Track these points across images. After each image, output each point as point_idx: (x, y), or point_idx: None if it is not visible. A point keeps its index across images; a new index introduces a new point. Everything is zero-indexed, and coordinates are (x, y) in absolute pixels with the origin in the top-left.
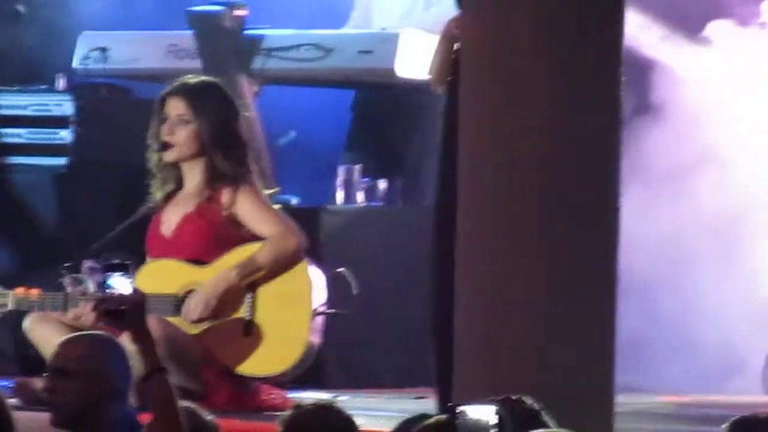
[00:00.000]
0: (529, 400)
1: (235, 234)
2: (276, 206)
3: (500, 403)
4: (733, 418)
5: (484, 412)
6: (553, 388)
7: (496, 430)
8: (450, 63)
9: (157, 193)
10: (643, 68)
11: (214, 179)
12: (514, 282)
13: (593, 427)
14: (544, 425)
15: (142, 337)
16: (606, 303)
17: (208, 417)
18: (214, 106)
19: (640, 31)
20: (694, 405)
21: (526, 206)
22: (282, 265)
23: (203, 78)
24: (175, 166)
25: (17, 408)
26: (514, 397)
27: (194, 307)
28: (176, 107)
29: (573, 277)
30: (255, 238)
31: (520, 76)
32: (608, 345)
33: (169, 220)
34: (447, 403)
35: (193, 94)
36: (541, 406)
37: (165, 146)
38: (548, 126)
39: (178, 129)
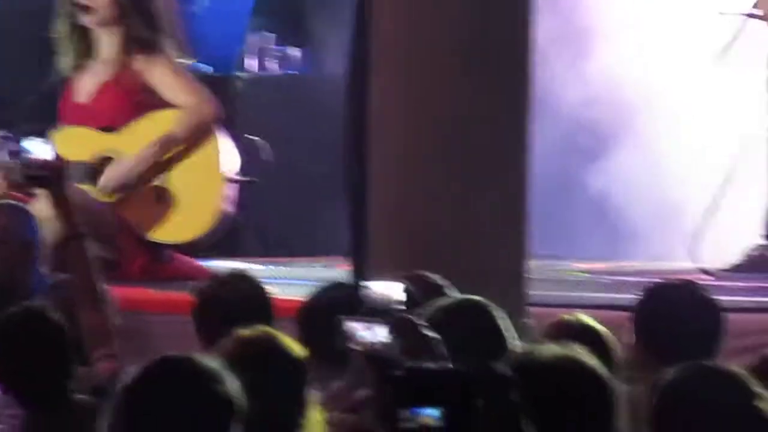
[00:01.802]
0: (435, 276)
1: (151, 101)
2: (189, 74)
3: (408, 279)
4: (648, 284)
5: (392, 288)
6: (467, 257)
7: (403, 305)
8: None
9: (66, 62)
10: None
11: (131, 46)
12: (426, 152)
13: (507, 296)
14: None
15: (62, 203)
16: (520, 169)
17: None
18: None
19: None
20: (608, 272)
21: (441, 74)
22: (198, 135)
23: None
24: (86, 34)
25: None
26: (421, 273)
27: (114, 178)
28: None
29: (486, 147)
30: (170, 105)
31: None
32: (521, 212)
33: (85, 89)
34: (360, 273)
35: None
36: (448, 281)
37: (84, 9)
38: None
39: None
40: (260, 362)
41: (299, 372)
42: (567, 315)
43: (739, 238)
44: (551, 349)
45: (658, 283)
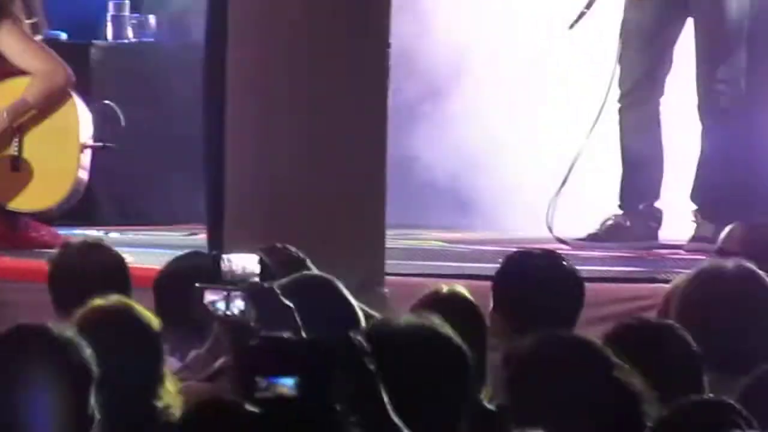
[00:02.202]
0: (293, 249)
1: (3, 69)
2: (39, 39)
3: (265, 252)
4: (507, 254)
5: (248, 261)
6: (323, 227)
7: (259, 278)
8: None
9: None
10: None
11: None
12: (283, 120)
13: (363, 266)
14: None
15: None
16: (377, 138)
17: None
18: None
19: None
20: (464, 242)
21: (296, 39)
22: (51, 102)
23: None
24: None
25: None
26: (279, 246)
27: None
28: None
29: (344, 117)
30: (22, 72)
31: None
32: (378, 182)
33: None
34: (218, 242)
35: None
36: (304, 251)
37: None
38: None
39: None
40: (114, 332)
41: (153, 342)
42: (440, 285)
43: (594, 208)
44: (406, 318)
45: (517, 252)
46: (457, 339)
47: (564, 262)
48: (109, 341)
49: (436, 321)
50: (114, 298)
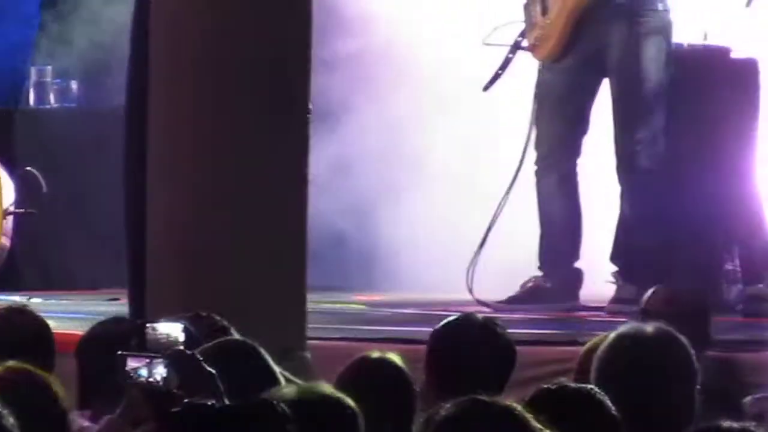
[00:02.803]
0: (217, 317)
1: None
2: None
3: (189, 319)
4: (435, 318)
5: (173, 328)
6: (245, 291)
7: (183, 346)
8: None
9: None
10: None
11: None
12: (206, 184)
13: (285, 331)
14: None
15: None
16: (298, 203)
17: None
18: None
19: None
20: (386, 304)
21: (218, 105)
22: None
23: None
24: None
25: None
26: (203, 314)
27: None
28: None
29: (264, 178)
30: None
31: None
32: (299, 246)
33: None
34: (140, 307)
35: None
36: (227, 316)
37: None
38: (237, 32)
39: None
40: (20, 397)
41: (58, 407)
42: (369, 351)
43: (514, 269)
44: (320, 386)
45: (445, 317)
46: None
47: (490, 326)
48: (15, 406)
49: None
50: (18, 364)
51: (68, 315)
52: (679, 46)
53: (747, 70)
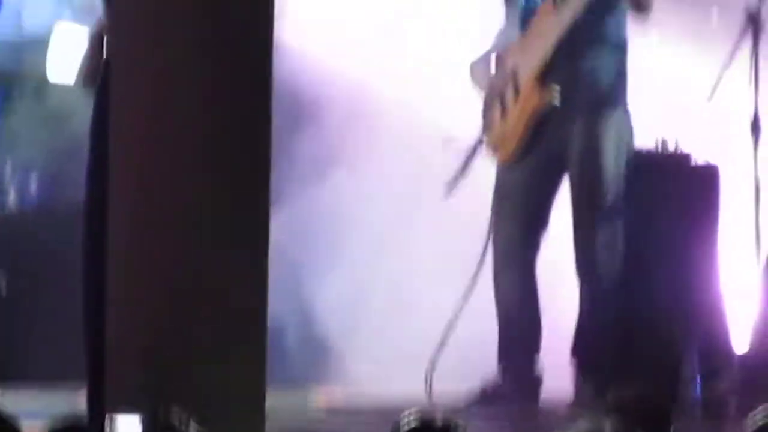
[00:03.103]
0: (176, 410)
1: None
2: None
3: (147, 413)
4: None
5: (131, 422)
6: (205, 388)
7: None
8: (100, 63)
9: None
10: None
11: None
12: (163, 278)
13: (244, 425)
14: None
15: None
16: (259, 296)
17: None
18: None
19: None
20: (343, 401)
21: (179, 205)
22: None
23: None
24: None
25: None
26: (161, 407)
27: None
28: None
29: (223, 278)
30: None
31: (172, 77)
32: (259, 338)
33: None
34: (98, 402)
35: None
36: (186, 411)
37: None
38: (201, 124)
39: None
40: None
41: None
42: None
43: (474, 366)
44: None
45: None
46: None
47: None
48: None
49: None
50: None
51: (25, 409)
52: (639, 151)
53: (707, 175)
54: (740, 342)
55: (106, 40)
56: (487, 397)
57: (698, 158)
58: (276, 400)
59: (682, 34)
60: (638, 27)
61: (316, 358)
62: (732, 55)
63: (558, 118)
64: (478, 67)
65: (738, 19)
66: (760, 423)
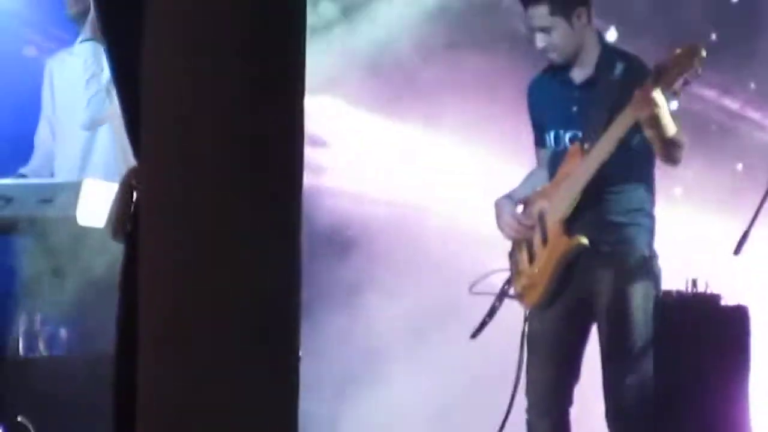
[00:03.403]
0: None
1: None
2: None
3: None
4: None
5: None
6: None
7: None
8: (129, 213)
9: None
10: None
11: None
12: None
13: None
14: None
15: None
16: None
17: None
18: None
19: None
20: None
21: (207, 352)
22: None
23: None
24: None
25: None
26: None
27: None
28: None
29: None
30: None
31: (202, 227)
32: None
33: None
34: None
35: None
36: None
37: None
38: (231, 272)
39: None
40: None
41: None
42: None
43: None
44: None
45: None
46: None
47: None
48: None
49: None
50: None
51: None
52: (668, 293)
53: (737, 317)
54: None
55: (135, 191)
56: None
57: (727, 299)
58: None
59: (705, 190)
60: (664, 183)
61: None
62: (758, 212)
63: (585, 265)
64: (503, 210)
65: (763, 175)
66: None
